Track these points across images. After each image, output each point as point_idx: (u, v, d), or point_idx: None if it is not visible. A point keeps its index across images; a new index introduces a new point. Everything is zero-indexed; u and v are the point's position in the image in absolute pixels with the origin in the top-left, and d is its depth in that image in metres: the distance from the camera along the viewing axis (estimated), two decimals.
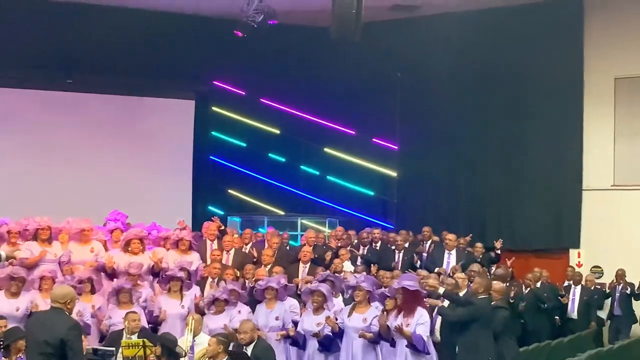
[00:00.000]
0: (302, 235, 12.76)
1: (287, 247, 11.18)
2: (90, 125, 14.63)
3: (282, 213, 15.52)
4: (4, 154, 14.03)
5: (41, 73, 14.19)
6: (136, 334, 7.29)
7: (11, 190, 13.56)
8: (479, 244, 11.35)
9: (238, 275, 9.44)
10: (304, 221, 14.52)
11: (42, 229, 8.90)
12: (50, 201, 12.78)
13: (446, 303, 8.00)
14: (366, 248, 11.16)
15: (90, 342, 7.29)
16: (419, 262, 10.75)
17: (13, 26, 13.47)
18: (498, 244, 11.19)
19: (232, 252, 10.12)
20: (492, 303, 7.68)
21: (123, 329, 7.45)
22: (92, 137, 14.58)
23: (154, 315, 8.33)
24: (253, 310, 8.44)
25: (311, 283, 8.38)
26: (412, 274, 8.26)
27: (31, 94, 14.51)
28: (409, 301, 7.34)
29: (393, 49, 14.49)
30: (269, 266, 9.55)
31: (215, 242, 10.24)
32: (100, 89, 14.77)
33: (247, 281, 9.14)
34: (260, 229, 13.00)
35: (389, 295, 7.65)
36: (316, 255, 10.22)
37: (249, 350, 7.03)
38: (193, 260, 9.36)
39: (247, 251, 10.44)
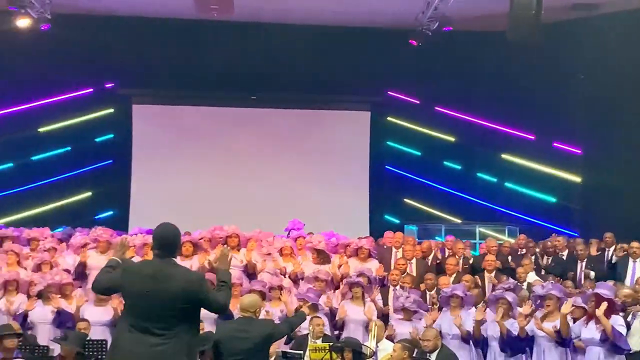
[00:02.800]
0: (480, 243, 12.53)
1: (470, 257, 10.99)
2: (271, 138, 15.45)
3: (459, 221, 15.38)
4: (194, 167, 15.14)
5: (228, 91, 15.19)
6: (320, 339, 7.52)
7: (199, 201, 14.58)
8: None
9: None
10: (482, 229, 14.26)
11: (230, 237, 9.45)
12: (234, 211, 13.50)
13: None
14: (550, 258, 10.74)
15: (279, 346, 7.61)
16: (591, 272, 10.12)
17: (201, 49, 14.46)
18: None
19: (414, 261, 10.15)
20: None
21: (308, 333, 7.71)
22: (273, 150, 15.37)
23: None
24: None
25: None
26: (609, 284, 7.84)
27: (218, 111, 15.57)
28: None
29: (573, 49, 13.88)
30: (454, 275, 9.46)
31: (400, 251, 10.30)
32: (280, 104, 15.57)
33: (427, 290, 9.13)
34: (437, 238, 12.93)
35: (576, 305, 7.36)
36: (500, 264, 9.98)
37: (432, 357, 7.04)
38: (372, 267, 9.47)
39: (429, 263, 10.42)
